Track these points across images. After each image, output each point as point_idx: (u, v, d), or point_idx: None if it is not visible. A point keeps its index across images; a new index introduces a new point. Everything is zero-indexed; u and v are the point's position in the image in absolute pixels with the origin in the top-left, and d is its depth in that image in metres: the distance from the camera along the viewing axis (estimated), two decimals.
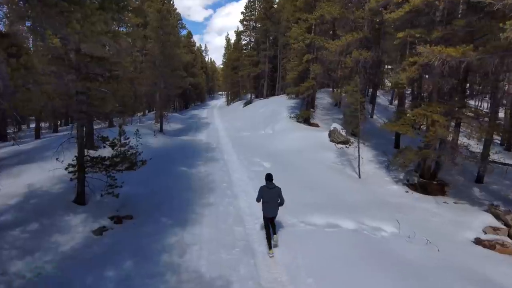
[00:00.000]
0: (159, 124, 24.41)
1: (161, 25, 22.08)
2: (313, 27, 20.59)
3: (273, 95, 41.03)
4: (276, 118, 22.94)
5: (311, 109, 21.50)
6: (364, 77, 18.14)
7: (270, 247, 6.73)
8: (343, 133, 17.28)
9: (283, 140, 18.41)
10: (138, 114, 27.53)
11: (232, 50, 54.90)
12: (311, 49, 20.53)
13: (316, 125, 21.72)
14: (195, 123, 32.79)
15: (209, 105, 62.32)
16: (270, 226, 6.97)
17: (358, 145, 13.10)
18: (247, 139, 20.83)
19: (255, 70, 36.69)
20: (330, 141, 17.33)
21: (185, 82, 28.39)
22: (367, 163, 14.17)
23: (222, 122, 32.44)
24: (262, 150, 17.19)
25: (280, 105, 26.63)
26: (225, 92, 77.76)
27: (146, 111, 36.12)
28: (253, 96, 41.78)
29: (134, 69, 25.74)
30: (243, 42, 40.07)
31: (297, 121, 21.75)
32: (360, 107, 13.91)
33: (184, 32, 42.98)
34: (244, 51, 41.75)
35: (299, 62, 20.77)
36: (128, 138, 14.07)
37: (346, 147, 15.80)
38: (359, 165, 13.01)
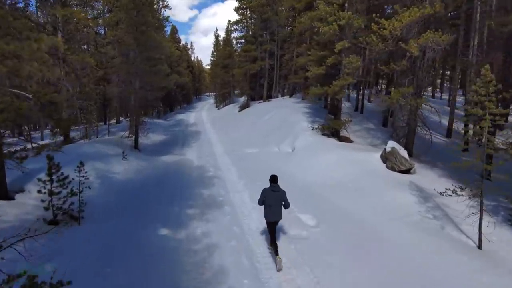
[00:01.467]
0: (134, 137, 18.16)
1: (135, 2, 15.92)
2: (346, 4, 14.92)
3: (269, 97, 35.28)
4: (292, 129, 17.08)
5: (346, 118, 15.73)
6: (430, 72, 12.62)
7: (276, 253, 6.19)
8: (407, 157, 11.64)
9: (314, 165, 12.60)
10: (107, 123, 21.10)
11: (223, 47, 48.93)
12: (344, 34, 14.82)
13: (348, 140, 16.03)
14: (181, 132, 26.58)
15: (196, 108, 56.13)
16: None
17: (481, 194, 7.32)
18: (256, 160, 14.92)
19: (254, 68, 30.64)
20: (387, 167, 11.65)
21: (168, 82, 22.18)
22: (468, 209, 8.48)
23: (215, 130, 26.37)
24: (287, 183, 11.32)
25: (292, 111, 20.78)
26: (213, 93, 71.79)
27: (122, 118, 29.60)
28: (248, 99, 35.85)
29: (98, 65, 19.53)
30: (238, 35, 33.92)
31: (323, 134, 16.00)
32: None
33: (166, 13, 36.33)
34: (240, 46, 35.85)
35: (328, 52, 15.00)
36: (65, 178, 8.06)
37: (433, 190, 10.08)
38: (480, 228, 7.29)
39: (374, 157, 12.46)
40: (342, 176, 11.18)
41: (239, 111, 32.61)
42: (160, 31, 18.94)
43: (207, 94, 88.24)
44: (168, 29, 37.41)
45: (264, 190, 6.58)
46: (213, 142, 20.92)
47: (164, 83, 20.26)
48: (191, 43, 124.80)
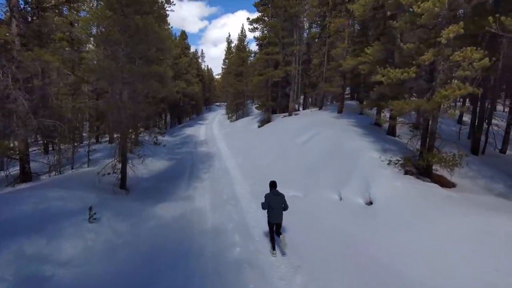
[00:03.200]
0: (121, 168, 12.70)
1: None
2: None
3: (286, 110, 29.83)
4: (356, 162, 11.26)
5: (459, 152, 9.93)
6: None
7: (273, 248, 6.94)
8: None
9: (424, 243, 6.76)
10: (89, 146, 15.63)
11: (236, 53, 43.98)
12: (447, 17, 9.22)
13: (448, 182, 10.26)
14: (189, 155, 21.05)
15: (206, 119, 51.12)
16: (275, 231, 7.10)
17: None
18: (307, 217, 9.15)
19: (278, 74, 25.06)
20: None
21: (170, 91, 16.78)
22: None
23: (232, 153, 20.70)
24: (371, 282, 5.69)
25: (341, 131, 15.02)
26: (224, 103, 66.88)
27: (116, 137, 24.22)
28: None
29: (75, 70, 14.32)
30: (258, 35, 28.34)
31: (406, 173, 10.28)
32: None
33: None
34: (258, 49, 30.52)
35: (419, 46, 9.34)
36: None
37: None
38: None
39: None
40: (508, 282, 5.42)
41: (258, 126, 27.07)
42: (157, 14, 13.29)
43: (217, 104, 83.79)
44: (169, 13, 30.12)
45: (267, 195, 7.16)
46: (232, 173, 15.31)
47: (164, 92, 14.84)
48: (202, 50, 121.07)
